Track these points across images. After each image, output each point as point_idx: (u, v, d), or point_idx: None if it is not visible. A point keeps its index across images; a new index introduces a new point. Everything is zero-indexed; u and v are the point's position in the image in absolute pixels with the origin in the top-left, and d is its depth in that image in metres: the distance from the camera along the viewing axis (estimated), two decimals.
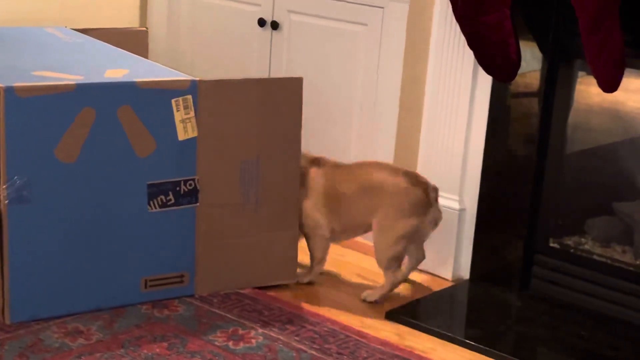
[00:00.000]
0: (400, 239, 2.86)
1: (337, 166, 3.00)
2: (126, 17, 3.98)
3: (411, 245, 2.93)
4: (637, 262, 2.88)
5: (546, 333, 2.80)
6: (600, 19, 2.48)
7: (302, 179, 2.93)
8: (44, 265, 2.57)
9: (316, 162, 2.99)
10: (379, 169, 2.96)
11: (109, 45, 3.26)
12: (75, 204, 2.58)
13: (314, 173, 2.96)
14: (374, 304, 2.88)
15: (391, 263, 2.87)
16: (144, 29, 3.77)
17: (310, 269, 3.01)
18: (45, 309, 2.59)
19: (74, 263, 2.62)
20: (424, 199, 2.86)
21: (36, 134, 2.49)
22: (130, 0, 4.00)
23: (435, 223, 2.93)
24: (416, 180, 2.89)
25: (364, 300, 2.88)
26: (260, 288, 2.92)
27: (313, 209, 2.95)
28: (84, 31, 3.45)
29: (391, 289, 2.90)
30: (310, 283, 2.99)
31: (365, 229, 2.95)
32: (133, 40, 3.49)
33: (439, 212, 2.92)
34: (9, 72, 2.61)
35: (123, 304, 2.70)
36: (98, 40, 3.32)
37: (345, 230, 3.00)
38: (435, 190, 2.90)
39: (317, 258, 2.99)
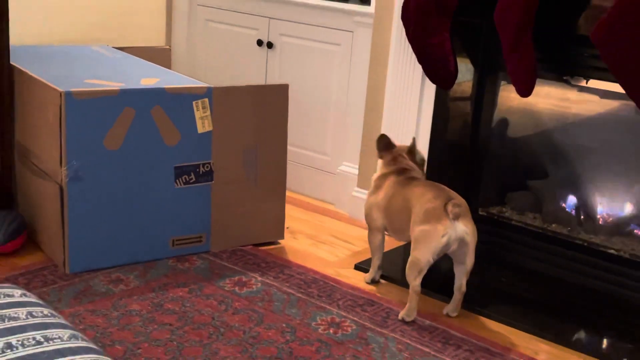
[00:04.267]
0: (417, 246, 2.38)
1: (410, 179, 2.55)
2: (154, 38, 3.93)
3: (457, 266, 2.44)
4: (545, 226, 2.89)
5: (476, 280, 2.72)
6: (518, 40, 2.47)
7: (383, 181, 2.59)
8: (95, 228, 2.57)
9: (401, 171, 2.59)
10: (425, 186, 2.49)
11: (142, 59, 3.24)
12: (118, 181, 2.58)
13: (390, 180, 2.57)
14: (347, 264, 2.78)
15: (411, 270, 2.39)
16: (168, 47, 3.75)
17: (371, 268, 2.69)
18: (95, 262, 2.59)
19: (117, 227, 2.61)
20: (438, 209, 2.34)
21: (89, 127, 2.49)
22: (157, 25, 3.94)
23: (457, 240, 2.35)
24: (441, 194, 2.39)
25: (403, 320, 2.41)
26: (258, 245, 2.91)
27: (375, 207, 2.60)
28: (121, 49, 3.42)
29: (412, 301, 2.40)
30: (374, 281, 2.68)
31: (408, 237, 2.47)
32: (160, 56, 3.45)
33: (461, 230, 2.34)
34: (65, 80, 2.59)
35: (155, 259, 2.70)
36: (132, 56, 3.29)
37: (394, 231, 2.59)
38: (458, 207, 2.33)
39: (372, 250, 2.67)
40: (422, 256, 2.36)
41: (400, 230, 2.53)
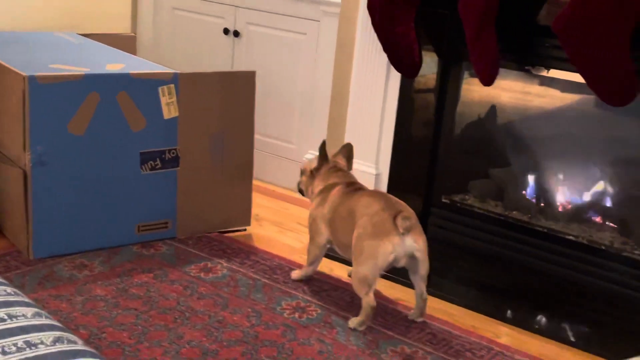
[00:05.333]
0: (363, 261, 2.24)
1: (354, 191, 2.43)
2: (120, 25, 3.90)
3: (413, 276, 2.33)
4: (506, 213, 2.91)
5: (439, 265, 2.76)
6: (481, 30, 2.50)
7: (328, 193, 2.47)
8: (59, 213, 2.55)
9: (349, 184, 2.47)
10: (371, 196, 2.36)
11: (107, 45, 3.21)
12: (83, 166, 2.56)
13: (336, 191, 2.44)
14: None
15: (359, 286, 2.26)
16: (133, 34, 3.72)
17: (302, 268, 2.60)
18: (59, 247, 2.57)
19: (82, 212, 2.59)
20: (387, 222, 2.21)
21: (53, 112, 2.46)
22: (123, 12, 3.91)
23: (406, 256, 2.24)
24: (389, 206, 2.26)
25: (355, 329, 2.26)
26: (224, 232, 2.91)
27: (320, 218, 2.46)
28: (86, 35, 3.39)
29: (365, 314, 2.26)
30: (300, 280, 2.56)
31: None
32: (125, 43, 3.42)
33: (410, 246, 2.22)
34: (29, 65, 2.56)
35: (120, 244, 2.68)
36: (98, 42, 3.26)
37: (339, 246, 2.44)
38: (407, 220, 2.20)
39: (308, 261, 2.55)
40: (370, 272, 2.23)
41: (345, 246, 2.36)
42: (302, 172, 2.66)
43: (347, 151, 2.63)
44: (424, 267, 2.29)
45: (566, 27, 2.29)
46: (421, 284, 2.32)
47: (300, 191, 2.69)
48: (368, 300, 2.25)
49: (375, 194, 2.44)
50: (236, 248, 2.79)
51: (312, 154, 3.40)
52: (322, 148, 2.57)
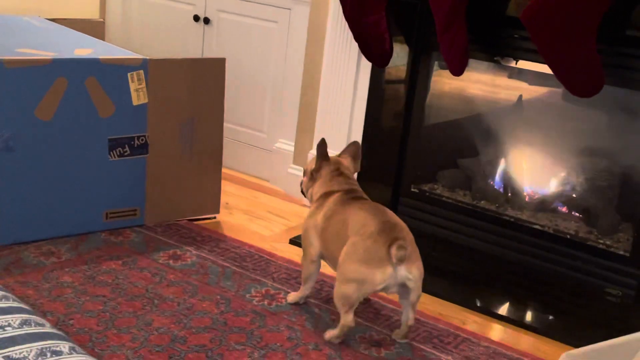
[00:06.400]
0: (348, 281, 2.07)
1: (352, 200, 2.22)
2: (88, 11, 3.85)
3: (402, 300, 2.16)
4: (474, 202, 2.94)
5: None
6: (451, 21, 2.51)
7: (325, 200, 2.26)
8: (25, 199, 2.52)
9: (348, 192, 2.26)
10: (368, 212, 2.13)
11: (74, 31, 3.16)
12: (50, 152, 2.53)
13: (333, 199, 2.24)
14: (282, 239, 2.72)
15: (340, 303, 2.10)
16: (101, 20, 3.68)
17: (299, 292, 2.35)
18: (26, 234, 2.55)
19: (49, 199, 2.57)
20: (381, 251, 2.02)
21: (20, 97, 2.43)
22: None
23: (397, 285, 2.07)
24: (385, 229, 2.05)
25: (329, 341, 2.15)
26: (193, 220, 2.90)
27: (312, 228, 2.26)
28: (53, 20, 3.33)
29: (341, 331, 2.13)
30: (296, 303, 2.34)
31: None
32: (93, 29, 3.38)
33: (403, 276, 2.05)
34: None
35: (88, 231, 2.66)
36: (65, 27, 3.20)
37: (329, 259, 2.24)
38: (403, 249, 2.01)
39: (303, 279, 2.32)
40: (353, 295, 2.07)
41: (336, 260, 2.14)
42: (304, 172, 2.44)
43: (354, 150, 2.39)
44: (415, 295, 2.11)
45: (534, 18, 2.32)
46: (409, 311, 2.15)
47: (303, 192, 2.44)
48: (347, 320, 2.11)
49: (374, 210, 2.16)
50: (206, 236, 2.78)
51: (283, 143, 3.40)
52: (321, 147, 2.30)
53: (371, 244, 2.04)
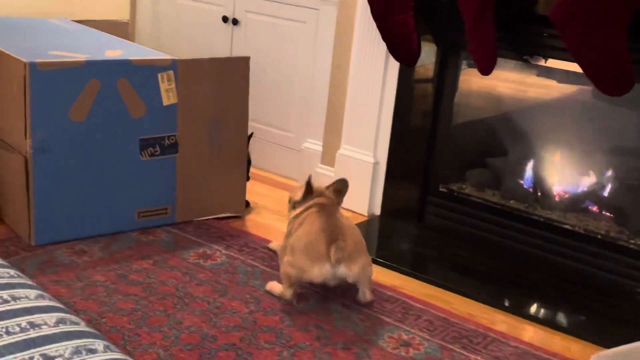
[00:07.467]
0: (291, 265, 2.26)
1: (319, 209, 2.36)
2: (118, 12, 3.87)
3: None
4: (503, 202, 2.93)
5: (435, 253, 2.85)
6: (479, 20, 2.51)
7: (301, 214, 2.38)
8: (60, 200, 2.55)
9: (321, 205, 2.38)
10: (322, 214, 2.31)
11: (103, 32, 3.18)
12: (84, 153, 2.55)
13: (307, 212, 2.37)
14: None
15: (282, 277, 2.30)
16: (126, 20, 3.67)
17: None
18: (60, 234, 2.57)
19: (82, 198, 2.59)
20: (320, 248, 2.20)
21: (54, 99, 2.46)
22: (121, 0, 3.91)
23: (338, 280, 2.25)
24: (329, 229, 2.24)
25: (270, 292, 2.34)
26: (221, 218, 2.92)
27: (288, 249, 2.33)
28: (80, 22, 3.35)
29: (279, 297, 2.31)
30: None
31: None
32: (118, 30, 3.38)
33: (343, 273, 2.22)
34: (29, 51, 2.55)
35: (120, 231, 2.69)
36: (93, 29, 3.23)
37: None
38: (340, 252, 2.17)
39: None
40: (293, 277, 2.26)
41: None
42: (289, 200, 2.54)
43: (340, 185, 2.48)
44: (362, 286, 2.31)
45: (564, 16, 2.30)
46: (363, 291, 2.32)
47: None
48: (285, 294, 2.29)
49: (328, 214, 2.32)
50: (234, 235, 2.80)
51: (311, 142, 3.41)
52: (308, 183, 2.43)
53: (313, 238, 2.23)
